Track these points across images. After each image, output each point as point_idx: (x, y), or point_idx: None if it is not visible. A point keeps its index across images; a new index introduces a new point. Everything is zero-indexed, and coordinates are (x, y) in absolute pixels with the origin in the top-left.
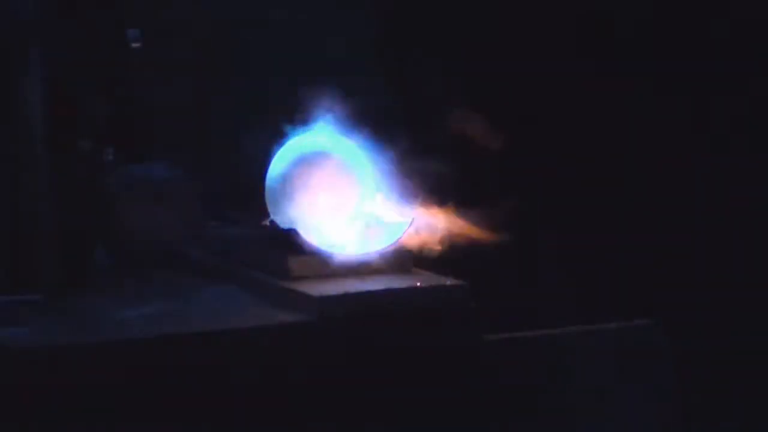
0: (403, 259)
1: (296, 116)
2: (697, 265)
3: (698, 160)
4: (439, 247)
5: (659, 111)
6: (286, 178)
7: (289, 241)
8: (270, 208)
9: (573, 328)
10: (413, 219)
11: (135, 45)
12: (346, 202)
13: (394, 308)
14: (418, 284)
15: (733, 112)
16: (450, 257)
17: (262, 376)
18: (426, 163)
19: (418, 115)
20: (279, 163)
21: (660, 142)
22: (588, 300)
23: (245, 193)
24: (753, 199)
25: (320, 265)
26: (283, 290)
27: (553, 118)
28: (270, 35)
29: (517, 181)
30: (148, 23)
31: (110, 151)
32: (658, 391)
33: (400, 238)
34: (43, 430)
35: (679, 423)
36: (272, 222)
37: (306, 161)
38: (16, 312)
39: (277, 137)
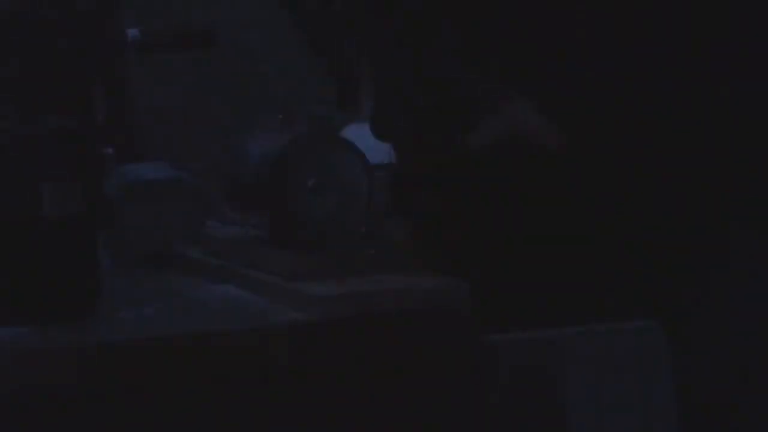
0: (403, 259)
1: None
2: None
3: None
4: None
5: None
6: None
7: (289, 240)
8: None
9: (572, 329)
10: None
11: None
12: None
13: (394, 308)
14: (418, 284)
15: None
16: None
17: (261, 376)
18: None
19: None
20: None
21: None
22: (586, 300)
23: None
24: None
25: (320, 265)
26: (283, 290)
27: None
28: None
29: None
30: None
31: (110, 150)
32: (657, 394)
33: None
34: (42, 430)
35: (677, 426)
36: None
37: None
38: None
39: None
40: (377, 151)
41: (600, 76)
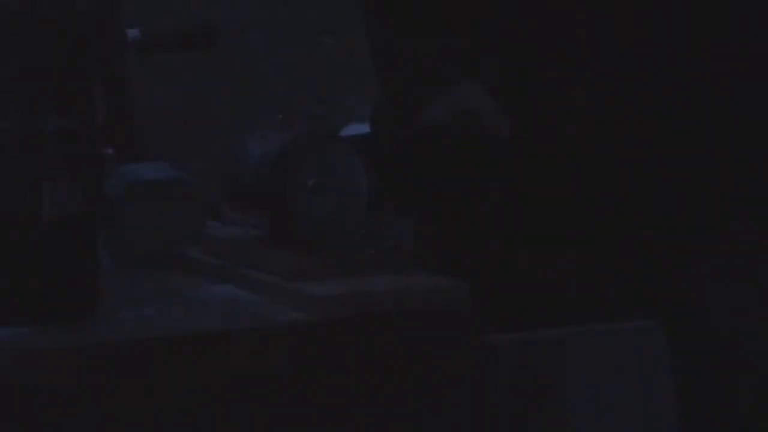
0: (403, 259)
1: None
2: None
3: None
4: None
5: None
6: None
7: (289, 240)
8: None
9: (572, 329)
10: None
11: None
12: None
13: (394, 308)
14: (418, 284)
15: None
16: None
17: (261, 376)
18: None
19: None
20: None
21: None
22: (586, 300)
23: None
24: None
25: (320, 265)
26: (283, 290)
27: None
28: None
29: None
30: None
31: (110, 150)
32: (657, 394)
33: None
34: (42, 430)
35: (677, 426)
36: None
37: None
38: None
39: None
40: None
41: (600, 75)
